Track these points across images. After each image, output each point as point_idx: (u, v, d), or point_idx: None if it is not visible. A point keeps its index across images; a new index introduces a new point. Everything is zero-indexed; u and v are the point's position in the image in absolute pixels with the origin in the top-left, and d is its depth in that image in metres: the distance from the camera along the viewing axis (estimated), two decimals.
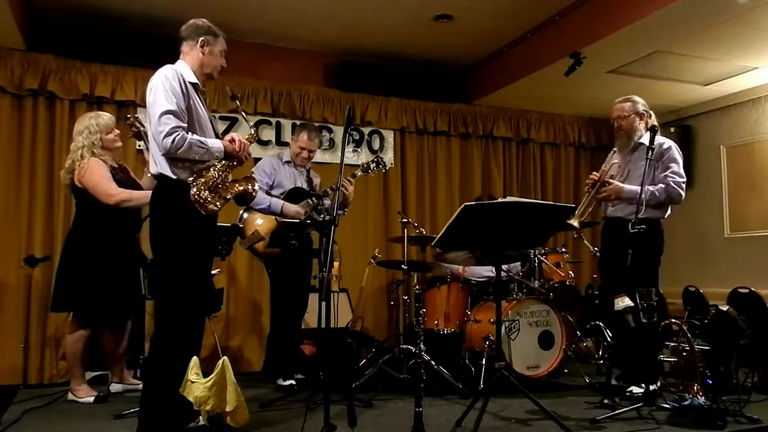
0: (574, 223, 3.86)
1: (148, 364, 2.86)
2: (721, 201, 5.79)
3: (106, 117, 3.81)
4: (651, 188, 3.72)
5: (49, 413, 3.49)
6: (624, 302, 3.45)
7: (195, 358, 2.89)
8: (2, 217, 4.57)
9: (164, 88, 2.80)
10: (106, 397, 3.75)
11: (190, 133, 2.81)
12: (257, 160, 4.73)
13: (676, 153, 3.84)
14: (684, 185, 3.78)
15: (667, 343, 3.79)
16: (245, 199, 3.08)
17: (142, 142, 4.05)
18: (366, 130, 5.72)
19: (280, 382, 4.08)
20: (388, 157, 5.77)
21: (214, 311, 3.77)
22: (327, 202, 4.24)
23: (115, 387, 3.97)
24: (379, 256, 5.13)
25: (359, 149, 5.69)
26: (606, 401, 3.53)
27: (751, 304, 4.09)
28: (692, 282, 4.41)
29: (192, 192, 2.82)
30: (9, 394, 3.96)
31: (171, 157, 2.80)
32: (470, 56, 5.74)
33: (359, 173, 4.30)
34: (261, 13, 4.81)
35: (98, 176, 3.60)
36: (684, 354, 3.50)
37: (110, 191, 3.59)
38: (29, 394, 3.96)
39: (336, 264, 4.75)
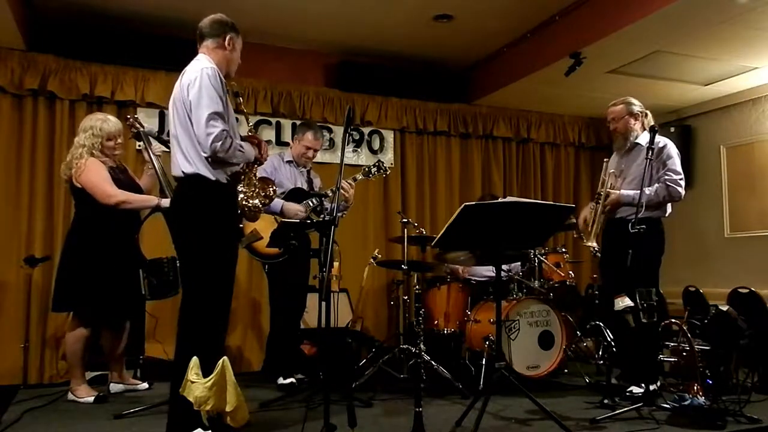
0: (592, 244, 3.87)
1: (177, 365, 2.81)
2: (721, 201, 5.79)
3: (112, 124, 3.79)
4: (648, 190, 3.72)
5: (49, 413, 3.49)
6: (624, 302, 3.45)
7: (195, 358, 2.89)
8: (2, 217, 4.57)
9: (210, 87, 2.74)
10: (106, 397, 3.75)
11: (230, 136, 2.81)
12: None
13: (673, 150, 3.83)
14: (682, 182, 3.78)
15: (667, 343, 3.79)
16: (269, 203, 3.14)
17: (141, 143, 4.05)
18: (366, 130, 5.72)
19: (281, 380, 4.08)
20: (388, 157, 5.77)
21: None
22: (327, 203, 4.24)
23: (115, 387, 3.97)
24: (379, 256, 5.13)
25: (359, 149, 5.69)
26: (606, 401, 3.53)
27: (751, 304, 4.09)
28: (692, 282, 4.41)
29: (240, 198, 2.88)
30: (9, 394, 3.96)
31: (211, 159, 2.77)
32: (470, 56, 5.74)
33: (360, 177, 4.29)
34: (261, 13, 4.81)
35: (96, 176, 3.60)
36: (684, 354, 3.50)
37: (109, 192, 3.59)
38: (29, 394, 3.95)
39: (336, 264, 4.76)
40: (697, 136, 6.07)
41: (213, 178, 2.80)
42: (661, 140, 3.85)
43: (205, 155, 2.76)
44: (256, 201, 2.94)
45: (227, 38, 2.93)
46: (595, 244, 3.90)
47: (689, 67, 5.01)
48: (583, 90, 5.56)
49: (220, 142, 2.71)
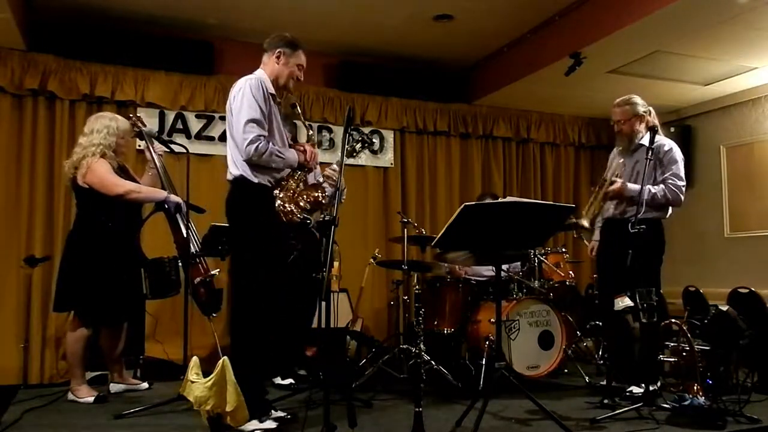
0: (584, 222, 3.79)
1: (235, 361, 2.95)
2: (721, 201, 5.79)
3: (123, 122, 3.81)
4: (652, 189, 3.71)
5: (49, 413, 3.49)
6: (624, 302, 3.45)
7: (195, 358, 2.90)
8: (2, 217, 4.56)
9: (251, 96, 2.95)
10: (106, 397, 3.75)
11: (270, 142, 2.96)
12: None
13: (677, 155, 3.80)
14: (683, 188, 3.75)
15: (667, 343, 3.79)
16: (317, 209, 3.18)
17: (143, 142, 4.06)
18: (366, 130, 5.72)
19: (278, 381, 4.08)
20: (388, 157, 5.77)
21: (214, 311, 3.78)
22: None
23: (115, 387, 3.97)
24: (379, 256, 5.13)
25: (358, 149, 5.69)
26: (606, 401, 3.53)
27: (751, 304, 4.09)
28: (692, 282, 4.41)
29: (277, 204, 2.99)
30: (9, 394, 3.96)
31: (252, 163, 2.95)
32: (470, 56, 5.74)
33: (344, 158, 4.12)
34: (261, 13, 4.81)
35: (103, 171, 3.62)
36: (684, 354, 3.50)
37: (118, 182, 3.63)
38: (29, 394, 3.95)
39: (336, 264, 4.75)
40: (697, 136, 6.07)
41: (256, 181, 2.98)
42: (666, 143, 3.83)
43: (243, 159, 2.94)
44: (291, 206, 3.01)
45: (276, 52, 3.13)
46: (586, 223, 3.80)
47: (689, 67, 5.01)
48: (583, 90, 5.56)
49: (254, 146, 2.89)
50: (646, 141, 3.77)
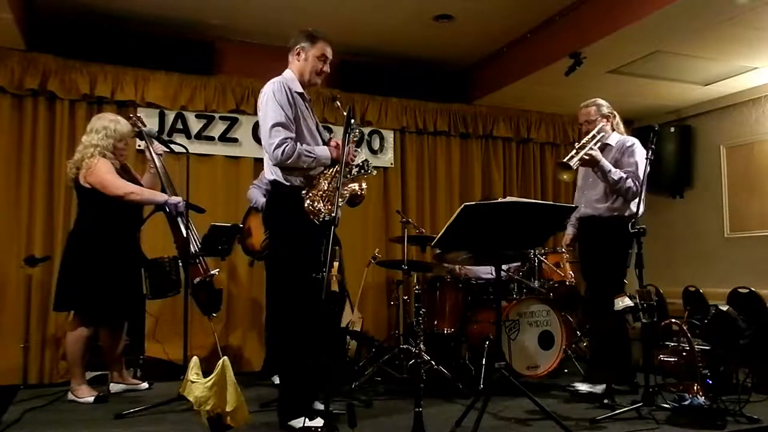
0: (571, 162, 3.72)
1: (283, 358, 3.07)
2: (721, 201, 5.79)
3: (123, 125, 3.81)
4: (621, 173, 3.74)
5: (49, 413, 3.49)
6: (624, 302, 3.45)
7: (195, 358, 2.90)
8: (2, 217, 4.57)
9: (273, 100, 2.96)
10: (106, 397, 3.75)
11: (298, 143, 2.96)
12: (258, 160, 4.73)
13: (638, 151, 3.83)
14: (637, 184, 3.71)
15: (667, 343, 3.79)
16: (355, 201, 3.18)
17: (143, 142, 4.06)
18: (366, 130, 5.72)
19: (276, 380, 4.07)
20: (388, 157, 5.77)
21: (214, 311, 3.78)
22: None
23: (115, 387, 3.97)
24: (379, 256, 5.12)
25: (359, 149, 5.69)
26: (606, 401, 3.53)
27: (751, 304, 4.09)
28: (692, 282, 4.41)
29: (306, 204, 2.97)
30: (9, 394, 3.96)
31: (283, 166, 2.96)
32: (470, 56, 5.74)
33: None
34: (261, 13, 4.81)
35: (104, 171, 3.63)
36: (684, 354, 3.50)
37: (118, 184, 3.63)
38: (29, 394, 3.95)
39: (336, 264, 4.75)
40: (697, 136, 6.07)
41: (288, 184, 3.00)
42: (629, 139, 3.93)
43: (273, 163, 2.97)
44: (320, 205, 2.99)
45: (296, 49, 3.14)
46: (572, 163, 3.72)
47: (689, 67, 5.01)
48: (583, 90, 5.53)
49: (281, 149, 2.90)
50: (612, 141, 3.92)
